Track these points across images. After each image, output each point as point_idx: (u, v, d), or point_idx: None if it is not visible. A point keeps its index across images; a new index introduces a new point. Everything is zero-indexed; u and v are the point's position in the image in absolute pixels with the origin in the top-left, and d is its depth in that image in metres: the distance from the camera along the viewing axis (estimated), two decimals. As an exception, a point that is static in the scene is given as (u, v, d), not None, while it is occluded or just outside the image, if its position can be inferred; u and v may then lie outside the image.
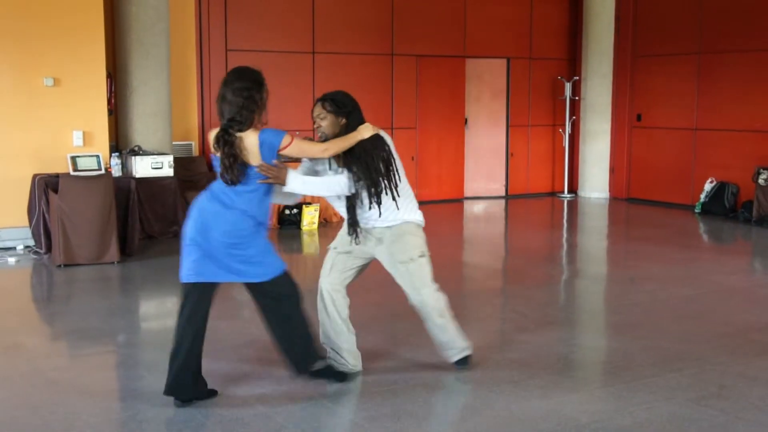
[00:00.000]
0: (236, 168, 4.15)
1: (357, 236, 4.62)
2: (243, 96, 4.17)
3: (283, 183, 4.30)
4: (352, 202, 4.58)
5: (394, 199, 4.59)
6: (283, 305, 4.36)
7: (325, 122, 4.57)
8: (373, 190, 4.50)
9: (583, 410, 4.32)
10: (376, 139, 4.53)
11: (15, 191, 8.39)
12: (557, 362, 5.17)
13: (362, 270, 4.85)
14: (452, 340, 4.84)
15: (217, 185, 4.28)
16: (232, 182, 4.18)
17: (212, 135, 4.29)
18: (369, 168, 4.48)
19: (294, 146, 4.27)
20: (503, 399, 4.44)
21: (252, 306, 6.99)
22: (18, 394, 4.53)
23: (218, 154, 4.25)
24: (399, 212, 4.66)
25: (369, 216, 4.63)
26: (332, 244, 4.81)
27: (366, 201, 4.56)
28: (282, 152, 4.26)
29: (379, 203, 4.53)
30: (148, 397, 4.47)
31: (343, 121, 4.57)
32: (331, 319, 4.68)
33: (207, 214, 4.23)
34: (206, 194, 4.29)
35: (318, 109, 4.60)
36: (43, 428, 4.04)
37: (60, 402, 4.39)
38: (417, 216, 4.77)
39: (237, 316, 6.29)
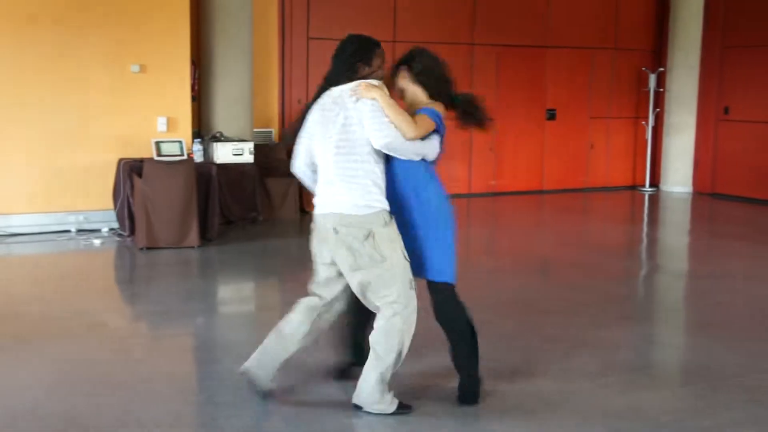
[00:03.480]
0: None
1: None
2: None
3: None
4: None
5: None
6: None
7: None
8: None
9: (664, 409, 4.21)
10: None
11: (102, 175, 8.62)
12: (636, 358, 5.06)
13: None
14: None
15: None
16: None
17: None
18: None
19: None
20: (581, 395, 4.37)
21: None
22: (100, 373, 4.65)
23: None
24: None
25: None
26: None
27: None
28: None
29: None
30: (225, 380, 4.53)
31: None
32: None
33: None
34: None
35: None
36: (123, 406, 4.14)
37: (140, 382, 4.49)
38: None
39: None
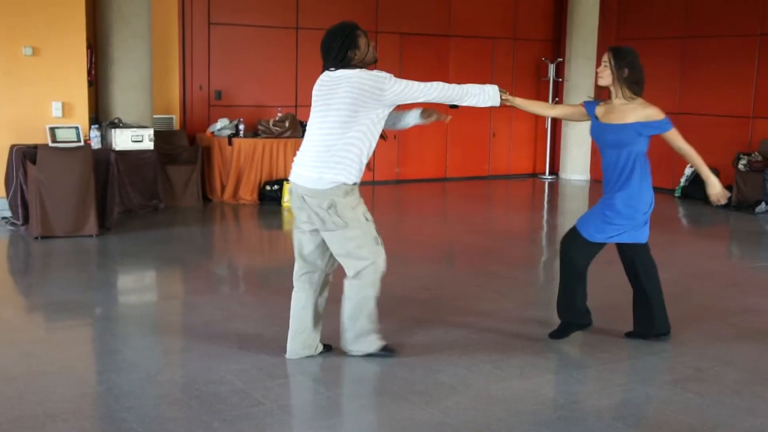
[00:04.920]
0: None
1: None
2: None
3: None
4: None
5: None
6: None
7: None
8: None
9: (562, 391, 4.33)
10: None
11: (-8, 161, 8.30)
12: (536, 343, 5.18)
13: None
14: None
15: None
16: None
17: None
18: None
19: None
20: (482, 379, 4.44)
21: (231, 281, 6.96)
22: (-7, 367, 4.49)
23: None
24: None
25: None
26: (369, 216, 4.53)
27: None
28: None
29: None
30: (123, 370, 4.43)
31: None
32: None
33: None
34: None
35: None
36: (17, 400, 4.00)
37: (35, 374, 4.35)
38: None
39: (216, 290, 6.26)
